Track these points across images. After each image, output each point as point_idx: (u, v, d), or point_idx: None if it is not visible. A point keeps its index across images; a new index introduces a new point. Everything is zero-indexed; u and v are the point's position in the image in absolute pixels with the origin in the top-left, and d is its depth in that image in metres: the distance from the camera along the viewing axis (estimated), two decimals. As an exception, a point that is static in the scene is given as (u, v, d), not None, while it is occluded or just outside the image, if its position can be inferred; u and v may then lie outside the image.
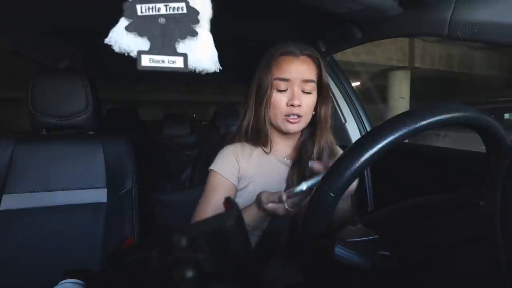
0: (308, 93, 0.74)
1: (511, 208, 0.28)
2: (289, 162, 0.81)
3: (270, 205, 0.60)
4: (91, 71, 1.12)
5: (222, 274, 0.26)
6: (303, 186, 0.54)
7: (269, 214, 0.63)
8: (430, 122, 0.38)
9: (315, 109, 0.79)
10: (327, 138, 0.79)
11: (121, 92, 6.22)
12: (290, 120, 0.74)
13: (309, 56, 0.75)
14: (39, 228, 0.83)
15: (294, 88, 0.73)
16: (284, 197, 0.58)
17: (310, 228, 0.41)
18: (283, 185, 0.77)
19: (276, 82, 0.74)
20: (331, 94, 0.81)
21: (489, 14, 0.54)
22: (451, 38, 0.59)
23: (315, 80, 0.75)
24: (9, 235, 0.81)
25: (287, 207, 0.59)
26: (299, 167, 0.77)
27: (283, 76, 0.73)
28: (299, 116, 0.74)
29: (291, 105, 0.72)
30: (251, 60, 0.80)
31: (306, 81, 0.73)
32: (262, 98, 0.75)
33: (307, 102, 0.74)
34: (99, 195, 0.90)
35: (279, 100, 0.74)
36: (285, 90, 0.74)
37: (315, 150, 0.78)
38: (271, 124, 0.78)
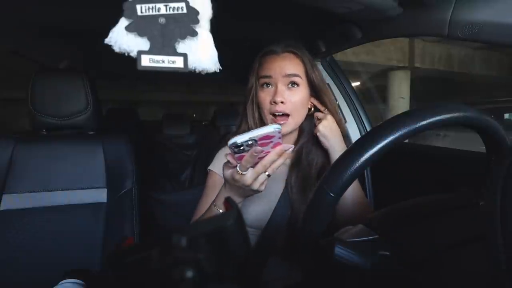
0: (294, 87, 0.73)
1: (511, 208, 0.28)
2: (287, 161, 0.81)
3: (227, 173, 0.56)
4: (91, 71, 1.12)
5: (222, 274, 0.26)
6: (236, 139, 0.48)
7: (232, 186, 0.57)
8: (430, 122, 0.38)
9: (314, 107, 0.79)
10: None
11: (121, 92, 6.23)
12: (278, 121, 0.73)
13: (291, 52, 0.75)
14: (39, 228, 0.83)
15: (278, 85, 0.73)
16: (229, 158, 0.54)
17: (310, 228, 0.41)
18: (282, 185, 0.77)
19: (260, 80, 0.75)
20: (328, 90, 0.80)
21: (489, 14, 0.54)
22: (451, 38, 0.59)
23: (301, 74, 0.74)
24: (9, 235, 0.81)
25: (238, 171, 0.53)
26: (298, 168, 0.77)
27: (265, 73, 0.74)
28: (286, 114, 0.73)
29: (274, 102, 0.72)
30: (251, 60, 0.81)
31: (289, 75, 0.72)
32: (249, 98, 0.77)
33: (294, 98, 0.73)
34: (99, 195, 0.90)
35: (263, 98, 0.74)
36: (269, 88, 0.74)
37: (318, 150, 0.78)
38: (264, 123, 0.78)
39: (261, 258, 0.73)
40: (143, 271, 0.25)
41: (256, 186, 0.55)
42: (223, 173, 0.58)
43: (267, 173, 0.54)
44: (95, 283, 0.54)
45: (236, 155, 0.52)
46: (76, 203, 0.88)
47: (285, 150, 0.53)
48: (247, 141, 0.49)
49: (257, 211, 0.74)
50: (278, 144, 0.52)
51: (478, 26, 0.54)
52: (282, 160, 0.54)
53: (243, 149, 0.50)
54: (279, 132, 0.50)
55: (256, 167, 0.53)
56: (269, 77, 0.73)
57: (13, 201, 0.84)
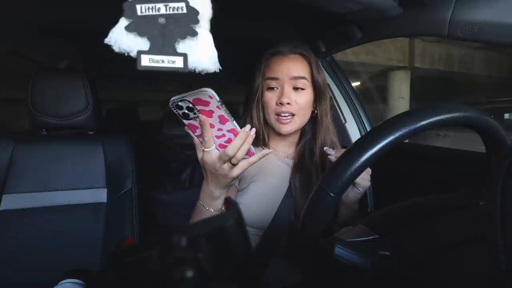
0: (300, 90, 0.74)
1: (511, 208, 0.28)
2: (290, 162, 0.81)
3: (199, 156, 0.56)
4: (91, 71, 1.12)
5: (222, 274, 0.26)
6: (174, 97, 0.47)
7: (208, 173, 0.56)
8: (430, 122, 0.38)
9: (316, 108, 0.79)
10: (328, 137, 0.79)
11: (121, 92, 6.22)
12: (282, 120, 0.73)
13: (299, 54, 0.75)
14: (39, 228, 0.83)
15: (284, 86, 0.73)
16: (188, 130, 0.54)
17: (310, 228, 0.41)
18: (285, 185, 0.77)
19: (266, 81, 0.75)
20: (328, 93, 0.80)
21: (489, 14, 0.54)
22: (451, 38, 0.59)
23: (307, 77, 0.74)
24: (9, 235, 0.81)
25: (203, 148, 0.54)
26: (302, 168, 0.78)
27: (272, 75, 0.74)
28: (292, 114, 0.73)
29: (280, 103, 0.72)
30: (251, 60, 0.81)
31: (296, 78, 0.73)
32: (254, 99, 0.77)
33: (300, 100, 0.73)
34: (99, 195, 0.90)
35: (269, 99, 0.74)
36: (275, 89, 0.74)
37: (317, 150, 0.78)
38: (268, 124, 0.78)
39: (264, 258, 0.73)
40: (143, 271, 0.25)
41: (224, 171, 0.53)
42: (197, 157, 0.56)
43: (233, 162, 0.52)
44: (95, 283, 0.54)
45: (186, 122, 0.52)
46: (76, 203, 0.88)
47: (247, 132, 0.50)
48: (181, 99, 0.47)
49: (261, 211, 0.74)
50: (223, 117, 0.49)
51: (478, 26, 0.55)
52: (246, 146, 0.51)
53: (187, 113, 0.49)
54: (212, 97, 0.47)
55: (223, 152, 0.51)
56: (276, 79, 0.73)
57: (13, 201, 0.84)
